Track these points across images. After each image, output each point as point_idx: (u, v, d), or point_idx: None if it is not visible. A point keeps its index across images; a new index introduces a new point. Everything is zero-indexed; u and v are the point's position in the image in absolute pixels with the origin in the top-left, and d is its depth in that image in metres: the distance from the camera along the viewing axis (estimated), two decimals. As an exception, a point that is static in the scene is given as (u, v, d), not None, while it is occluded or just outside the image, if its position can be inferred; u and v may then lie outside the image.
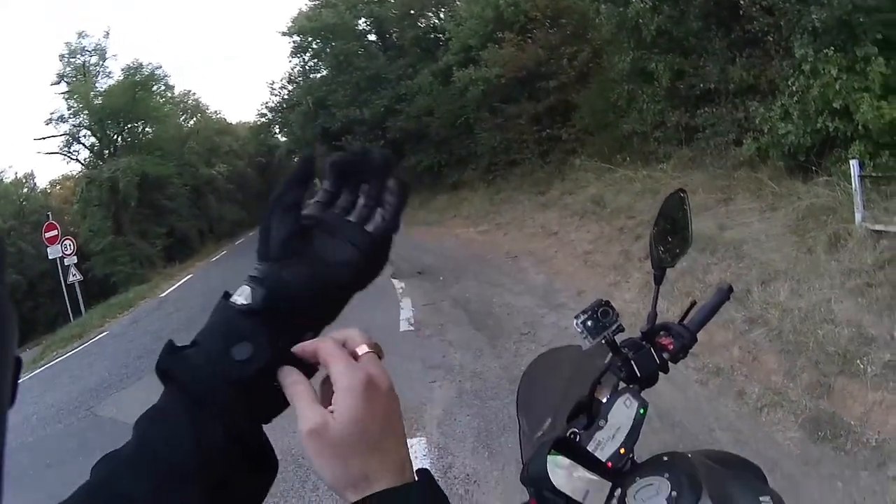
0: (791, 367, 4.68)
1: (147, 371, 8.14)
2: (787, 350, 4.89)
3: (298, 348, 0.66)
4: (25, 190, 37.28)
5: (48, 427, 7.81)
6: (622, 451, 1.25)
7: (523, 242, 12.20)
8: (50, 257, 18.79)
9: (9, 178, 34.84)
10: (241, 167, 49.31)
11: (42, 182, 55.40)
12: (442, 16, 25.95)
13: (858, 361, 4.37)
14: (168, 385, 0.64)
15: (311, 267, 0.70)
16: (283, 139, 44.93)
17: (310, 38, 29.22)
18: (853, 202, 6.11)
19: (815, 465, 3.64)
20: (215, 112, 51.21)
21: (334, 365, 0.64)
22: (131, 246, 27.82)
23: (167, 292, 17.30)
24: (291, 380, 0.64)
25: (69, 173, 37.58)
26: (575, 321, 1.39)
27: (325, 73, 29.50)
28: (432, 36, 26.21)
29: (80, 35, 31.68)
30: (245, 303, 0.67)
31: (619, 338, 1.43)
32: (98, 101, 30.14)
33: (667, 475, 1.20)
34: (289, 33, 29.65)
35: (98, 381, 8.61)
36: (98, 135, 31.36)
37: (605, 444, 1.27)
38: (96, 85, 31.09)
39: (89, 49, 31.09)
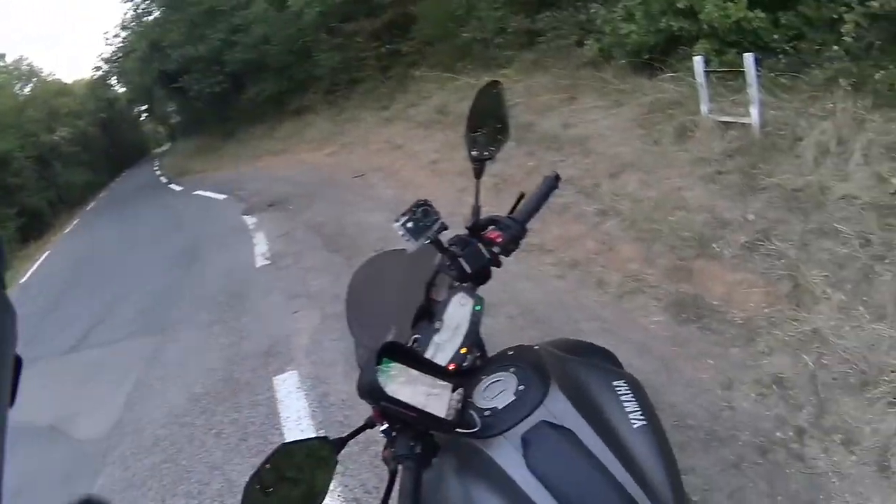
0: (648, 254, 4.62)
1: (24, 364, 7.30)
2: (643, 238, 4.83)
3: None
4: None
5: None
6: (463, 350, 1.24)
7: (370, 159, 11.96)
8: None
9: None
10: (83, 127, 46.30)
11: None
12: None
13: (715, 245, 4.34)
14: None
15: None
16: (123, 90, 44.29)
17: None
18: (699, 96, 6.09)
19: (683, 345, 3.55)
20: (50, 74, 48.46)
21: None
22: None
23: (26, 277, 15.84)
24: None
25: None
26: (395, 224, 1.35)
27: (157, 13, 27.78)
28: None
29: None
30: None
31: (444, 237, 1.42)
32: None
33: (513, 370, 1.19)
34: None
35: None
36: None
37: (444, 346, 1.25)
38: None
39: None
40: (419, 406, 1.08)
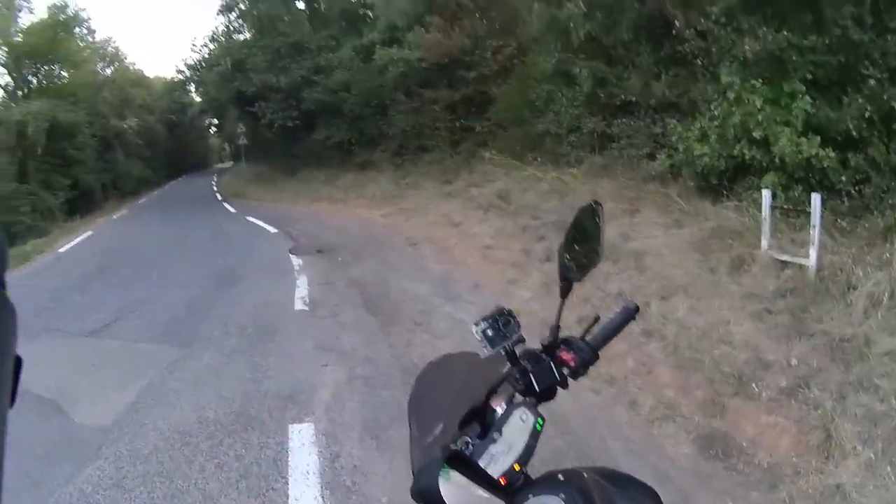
0: (686, 383, 4.65)
1: (39, 331, 7.53)
2: (683, 366, 4.86)
3: None
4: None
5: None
6: (516, 466, 1.23)
7: (425, 230, 12.09)
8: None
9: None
10: (151, 123, 47.69)
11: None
12: (373, -9, 25.28)
13: (754, 385, 4.37)
14: None
15: None
16: (198, 99, 44.19)
17: (238, -3, 28.02)
18: (761, 229, 6.17)
19: (706, 480, 3.56)
20: (133, 63, 49.87)
21: None
22: (34, 196, 25.84)
23: (65, 248, 16.27)
24: None
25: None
26: (474, 328, 1.37)
27: (248, 35, 28.60)
28: (360, 11, 25.63)
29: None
30: None
31: (518, 348, 1.41)
32: (18, 37, 28.34)
33: (562, 495, 1.18)
34: (218, -12, 28.17)
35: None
36: (13, 74, 29.45)
37: (498, 458, 1.23)
38: (18, 20, 29.33)
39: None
40: None
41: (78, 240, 17.95)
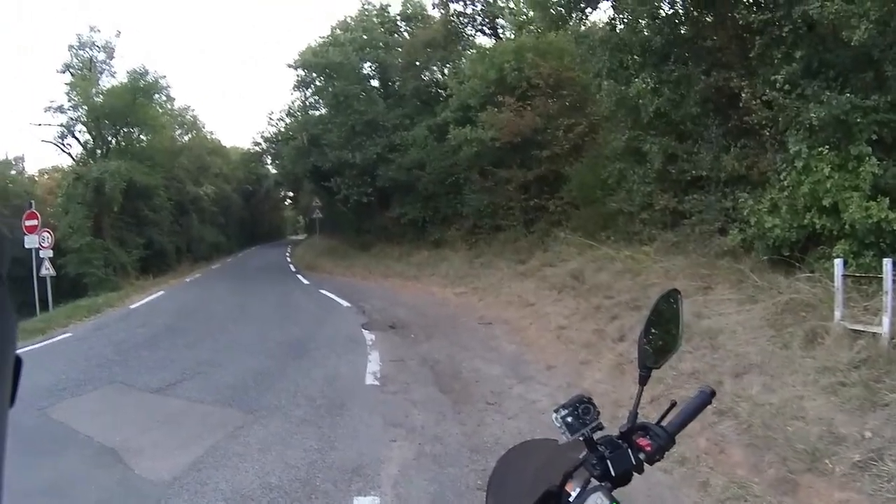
0: (758, 462, 4.60)
1: (104, 382, 7.92)
2: (755, 444, 4.81)
3: None
4: (13, 172, 37.52)
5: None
6: None
7: (499, 309, 12.19)
8: (26, 246, 18.06)
9: (-2, 157, 34.55)
10: (227, 191, 49.43)
11: (31, 168, 56.53)
12: (446, 71, 26.09)
13: (827, 460, 4.30)
14: None
15: None
16: (273, 171, 45.92)
17: (314, 74, 29.17)
18: (833, 300, 6.10)
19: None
20: (210, 132, 51.77)
21: None
22: (108, 251, 27.20)
23: (137, 305, 17.02)
24: None
25: (59, 165, 37.39)
26: (554, 415, 1.39)
27: (323, 111, 29.52)
28: (433, 90, 26.43)
29: (92, 29, 32.42)
30: None
31: (596, 434, 1.42)
32: (99, 98, 29.87)
33: None
34: (294, 66, 29.57)
35: (53, 382, 8.08)
36: (93, 133, 31.03)
37: None
38: (99, 82, 31.08)
39: (99, 45, 31.37)
40: None
41: (149, 298, 18.65)
